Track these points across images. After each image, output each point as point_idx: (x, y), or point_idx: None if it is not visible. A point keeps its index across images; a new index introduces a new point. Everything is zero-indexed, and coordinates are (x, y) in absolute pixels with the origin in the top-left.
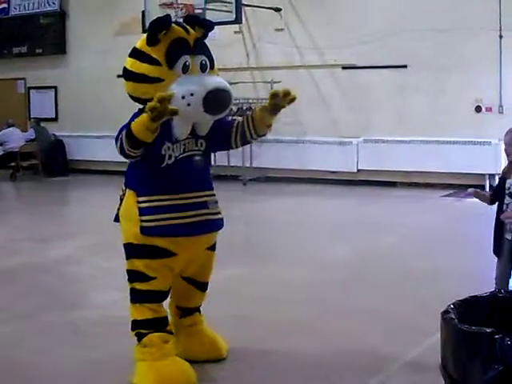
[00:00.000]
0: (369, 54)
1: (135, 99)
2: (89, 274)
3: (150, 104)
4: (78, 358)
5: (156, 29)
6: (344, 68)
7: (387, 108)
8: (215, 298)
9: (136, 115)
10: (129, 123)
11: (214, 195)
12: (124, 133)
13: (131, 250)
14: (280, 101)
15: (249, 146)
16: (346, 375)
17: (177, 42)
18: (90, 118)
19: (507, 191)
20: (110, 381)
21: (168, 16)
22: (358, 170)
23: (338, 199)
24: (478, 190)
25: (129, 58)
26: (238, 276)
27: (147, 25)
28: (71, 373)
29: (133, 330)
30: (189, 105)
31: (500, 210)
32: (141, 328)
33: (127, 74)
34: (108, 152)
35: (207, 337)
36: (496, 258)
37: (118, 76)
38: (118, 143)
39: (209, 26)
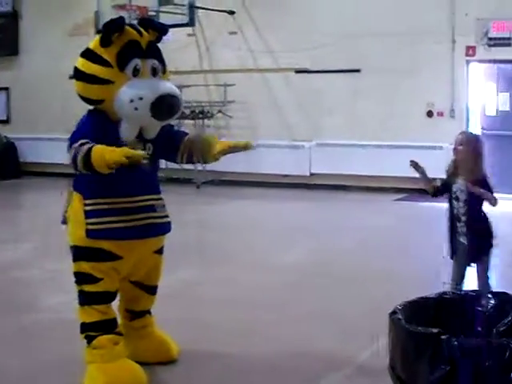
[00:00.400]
0: (322, 58)
1: (85, 100)
2: (38, 277)
3: (118, 157)
4: (27, 362)
5: (109, 30)
6: (297, 72)
7: (340, 112)
8: (167, 300)
9: (87, 119)
10: (79, 131)
11: (161, 199)
12: (81, 154)
13: (78, 253)
14: (238, 151)
15: None
16: (298, 378)
17: (129, 45)
18: (43, 120)
19: (454, 195)
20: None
21: (121, 18)
22: (311, 174)
23: (291, 203)
24: (418, 163)
25: (80, 58)
26: (191, 279)
27: (100, 26)
28: (21, 376)
29: (82, 332)
30: (136, 109)
31: (451, 214)
32: (90, 331)
33: (78, 74)
34: (61, 154)
35: (157, 339)
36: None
37: (71, 77)
38: (71, 155)
39: (163, 29)
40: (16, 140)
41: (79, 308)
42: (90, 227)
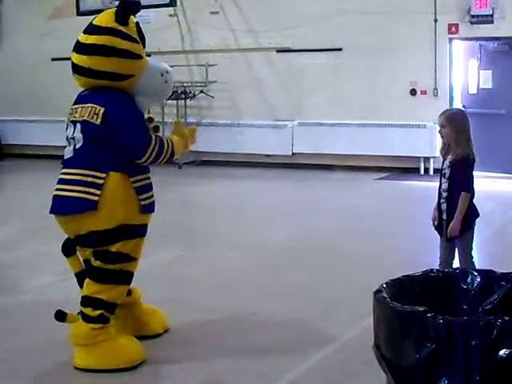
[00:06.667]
0: (303, 37)
1: (112, 75)
2: (22, 259)
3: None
4: (9, 344)
5: (132, 11)
6: (279, 51)
7: (322, 91)
8: (150, 281)
9: (124, 98)
10: (133, 110)
11: None
12: (168, 151)
13: (124, 232)
14: None
15: None
16: (285, 354)
17: (138, 26)
18: (25, 102)
19: (443, 172)
20: (41, 364)
21: (139, 1)
22: (293, 154)
23: (274, 182)
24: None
25: (101, 36)
26: (173, 260)
27: (81, 8)
28: (2, 358)
29: (96, 309)
30: (166, 82)
31: (439, 192)
32: (108, 310)
33: (103, 50)
34: (43, 136)
35: (148, 311)
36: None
37: (53, 59)
38: (160, 155)
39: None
40: None
41: (100, 285)
42: (143, 202)
